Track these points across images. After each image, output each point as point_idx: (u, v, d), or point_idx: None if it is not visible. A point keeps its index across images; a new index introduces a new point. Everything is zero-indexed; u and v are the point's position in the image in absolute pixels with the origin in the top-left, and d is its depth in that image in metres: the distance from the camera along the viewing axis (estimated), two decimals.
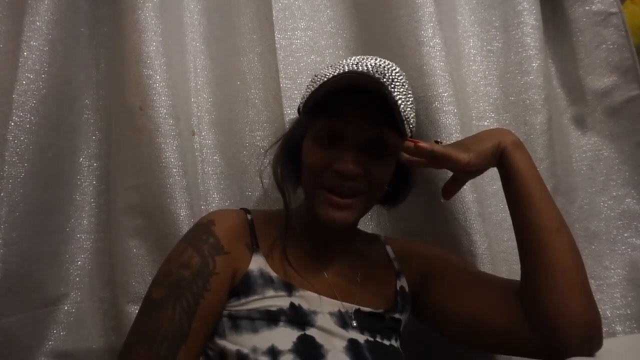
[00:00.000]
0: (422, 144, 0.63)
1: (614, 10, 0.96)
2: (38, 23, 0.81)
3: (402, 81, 0.66)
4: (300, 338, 0.59)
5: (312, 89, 0.66)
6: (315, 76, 0.69)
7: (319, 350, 0.59)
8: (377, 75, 0.62)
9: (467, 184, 0.73)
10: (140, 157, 0.81)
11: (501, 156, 0.64)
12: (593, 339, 0.60)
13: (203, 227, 0.65)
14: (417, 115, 0.73)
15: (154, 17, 0.83)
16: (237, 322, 0.60)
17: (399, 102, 0.63)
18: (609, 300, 0.92)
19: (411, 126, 0.67)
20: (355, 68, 0.64)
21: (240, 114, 0.92)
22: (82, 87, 0.89)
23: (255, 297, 0.62)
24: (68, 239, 0.85)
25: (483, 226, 0.82)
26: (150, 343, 0.56)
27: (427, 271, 0.73)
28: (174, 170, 0.81)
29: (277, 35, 0.91)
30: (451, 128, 0.82)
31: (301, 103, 0.70)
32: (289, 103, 0.89)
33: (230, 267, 0.63)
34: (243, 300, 0.62)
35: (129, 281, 0.80)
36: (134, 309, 0.78)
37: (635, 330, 0.89)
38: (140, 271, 0.80)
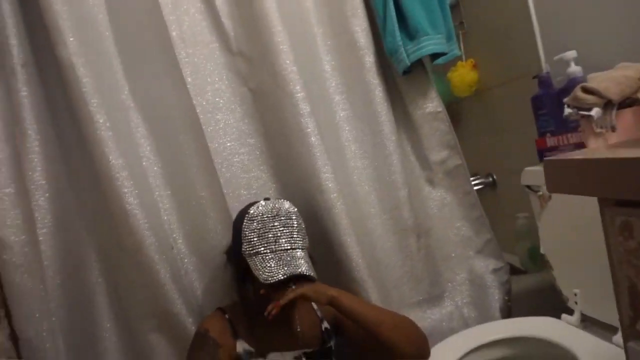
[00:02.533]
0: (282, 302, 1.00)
1: (439, 109, 1.44)
2: None
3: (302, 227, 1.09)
4: None
5: (253, 246, 1.04)
6: (260, 223, 1.06)
7: None
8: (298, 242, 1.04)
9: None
10: (142, 280, 1.21)
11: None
12: (425, 355, 1.11)
13: (203, 336, 1.07)
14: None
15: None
16: None
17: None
18: (459, 294, 1.46)
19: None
20: (289, 267, 1.00)
21: (201, 225, 1.31)
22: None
23: None
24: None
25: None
26: None
27: (336, 316, 1.20)
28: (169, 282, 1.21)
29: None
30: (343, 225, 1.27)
31: (243, 248, 1.06)
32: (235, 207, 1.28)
33: (226, 353, 1.06)
34: None
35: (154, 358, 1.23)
36: None
37: (474, 311, 1.43)
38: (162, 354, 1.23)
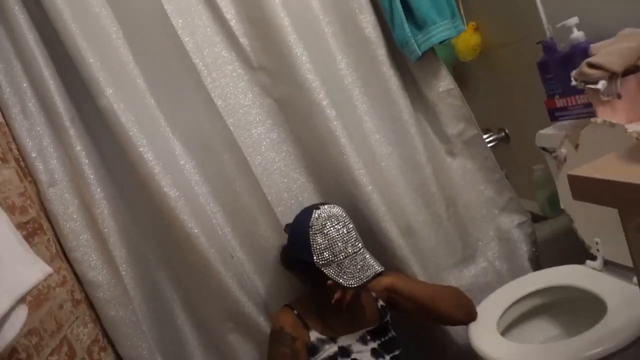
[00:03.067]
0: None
1: (452, 86, 1.52)
2: None
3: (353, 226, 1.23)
4: None
5: (325, 258, 1.16)
6: (324, 234, 1.18)
7: None
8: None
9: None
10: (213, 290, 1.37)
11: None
12: (472, 318, 1.28)
13: (279, 332, 1.24)
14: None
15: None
16: None
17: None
18: (490, 250, 1.62)
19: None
20: (364, 271, 1.15)
21: (253, 232, 1.45)
22: None
23: (321, 352, 1.25)
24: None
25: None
26: None
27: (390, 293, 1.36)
28: (236, 288, 1.37)
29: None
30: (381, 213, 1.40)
31: (315, 257, 1.18)
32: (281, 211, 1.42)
33: (301, 344, 1.24)
34: (317, 355, 1.24)
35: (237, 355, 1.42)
36: None
37: (506, 264, 1.59)
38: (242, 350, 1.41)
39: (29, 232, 1.16)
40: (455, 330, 1.46)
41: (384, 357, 1.29)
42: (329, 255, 1.18)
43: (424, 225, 1.54)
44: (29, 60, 1.26)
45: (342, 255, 1.18)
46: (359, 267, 1.17)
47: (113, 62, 1.29)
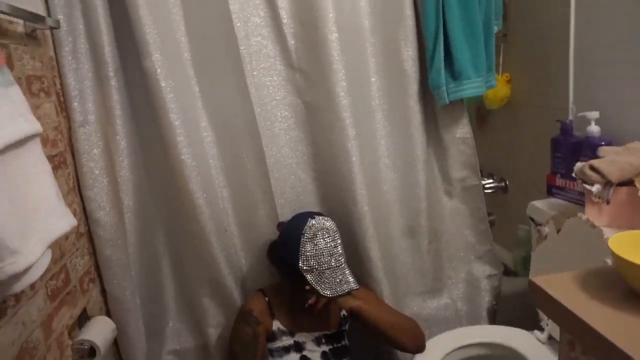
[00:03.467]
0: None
1: (468, 135, 1.61)
2: None
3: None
4: (301, 357, 1.39)
5: (310, 265, 1.27)
6: (314, 244, 1.29)
7: None
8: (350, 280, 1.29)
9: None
10: (201, 256, 1.50)
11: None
12: (420, 349, 1.42)
13: (248, 313, 1.37)
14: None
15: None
16: (272, 352, 1.38)
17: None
18: (456, 290, 1.74)
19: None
20: (341, 285, 1.27)
21: (251, 215, 1.57)
22: None
23: (278, 341, 1.39)
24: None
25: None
26: None
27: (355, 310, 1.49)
28: (222, 260, 1.50)
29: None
30: (369, 232, 1.52)
31: (301, 262, 1.29)
32: (280, 204, 1.54)
33: (264, 329, 1.37)
34: (274, 343, 1.39)
35: (206, 318, 1.57)
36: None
37: (466, 306, 1.73)
38: (211, 313, 1.56)
39: (55, 165, 1.26)
40: (403, 356, 1.60)
41: None
42: (313, 264, 1.30)
43: (404, 251, 1.66)
44: (89, 5, 1.33)
45: (325, 266, 1.30)
46: (337, 280, 1.29)
47: (165, 29, 1.37)
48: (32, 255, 0.78)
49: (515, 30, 1.86)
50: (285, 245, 1.36)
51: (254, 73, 1.47)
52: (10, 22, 1.11)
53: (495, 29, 1.57)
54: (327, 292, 1.28)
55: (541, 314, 1.47)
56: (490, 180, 2.04)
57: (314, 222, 1.33)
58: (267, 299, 1.42)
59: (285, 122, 1.54)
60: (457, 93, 1.45)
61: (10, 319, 0.98)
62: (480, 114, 2.13)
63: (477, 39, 1.45)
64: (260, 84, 1.49)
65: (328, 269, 1.30)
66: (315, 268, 1.30)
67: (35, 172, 0.87)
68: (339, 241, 1.34)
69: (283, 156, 1.55)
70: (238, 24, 1.42)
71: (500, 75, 1.88)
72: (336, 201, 1.54)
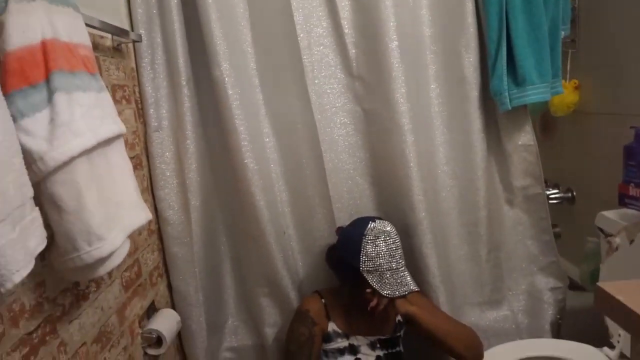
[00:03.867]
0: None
1: (531, 143, 1.57)
2: None
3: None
4: (355, 359, 1.40)
5: (371, 266, 1.29)
6: (375, 246, 1.30)
7: None
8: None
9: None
10: (260, 257, 1.56)
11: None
12: (479, 359, 1.38)
13: (304, 314, 1.41)
14: None
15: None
16: (327, 353, 1.41)
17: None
18: (516, 302, 1.69)
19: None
20: (401, 285, 1.27)
21: (309, 218, 1.61)
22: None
23: (333, 343, 1.41)
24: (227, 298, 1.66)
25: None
26: None
27: (411, 315, 1.49)
28: (280, 261, 1.55)
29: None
30: (427, 239, 1.51)
31: (362, 263, 1.30)
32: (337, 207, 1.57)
33: (319, 330, 1.40)
34: (329, 344, 1.41)
35: (263, 317, 1.62)
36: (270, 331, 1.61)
37: (527, 319, 1.67)
38: (268, 313, 1.61)
39: (132, 166, 1.37)
40: None
41: None
42: (374, 265, 1.31)
43: (462, 260, 1.63)
44: (167, 20, 1.44)
45: (385, 267, 1.30)
46: (398, 282, 1.29)
47: (234, 40, 1.45)
48: (115, 242, 0.86)
49: (585, 36, 1.80)
50: (346, 247, 1.38)
51: (315, 81, 1.52)
52: (101, 37, 1.24)
53: (562, 34, 1.53)
54: (388, 292, 1.28)
55: (611, 330, 1.40)
56: (556, 191, 1.96)
57: (375, 225, 1.34)
58: (323, 300, 1.45)
59: (344, 128, 1.57)
60: (520, 99, 1.43)
61: (92, 303, 1.07)
62: (545, 121, 2.06)
63: (542, 44, 1.42)
64: (321, 91, 1.54)
65: (389, 270, 1.30)
66: (375, 269, 1.31)
67: (120, 169, 0.96)
68: (400, 244, 1.35)
69: (341, 162, 1.58)
70: (301, 35, 1.49)
71: (567, 81, 1.82)
72: (393, 207, 1.55)
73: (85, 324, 1.04)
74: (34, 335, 0.86)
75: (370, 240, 1.32)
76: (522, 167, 1.60)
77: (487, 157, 1.58)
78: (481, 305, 1.66)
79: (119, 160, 0.96)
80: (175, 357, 1.57)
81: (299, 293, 1.60)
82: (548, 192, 1.91)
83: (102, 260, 0.85)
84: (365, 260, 1.31)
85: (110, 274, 1.18)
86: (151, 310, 1.41)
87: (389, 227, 1.35)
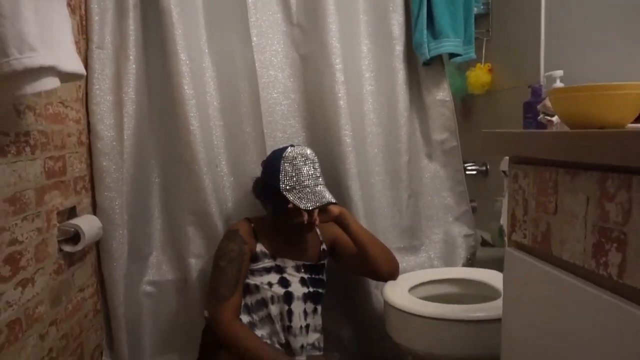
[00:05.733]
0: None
1: (447, 99, 1.75)
2: None
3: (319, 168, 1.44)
4: (280, 277, 1.43)
5: (289, 184, 1.36)
6: (293, 165, 1.38)
7: (288, 282, 1.43)
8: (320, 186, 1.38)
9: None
10: (190, 185, 1.59)
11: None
12: (394, 275, 1.46)
13: (234, 232, 1.43)
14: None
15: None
16: (254, 272, 1.42)
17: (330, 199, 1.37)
18: (433, 249, 1.80)
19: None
20: (319, 198, 1.34)
21: (242, 153, 1.67)
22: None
23: (260, 262, 1.43)
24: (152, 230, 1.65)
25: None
26: (226, 286, 1.36)
27: (335, 239, 1.55)
28: (210, 190, 1.59)
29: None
30: (352, 172, 1.62)
31: (282, 182, 1.37)
32: (270, 145, 1.64)
33: (248, 249, 1.42)
34: (256, 264, 1.43)
35: (188, 248, 1.62)
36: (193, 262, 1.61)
37: (442, 264, 1.77)
38: (194, 243, 1.61)
39: None
40: (376, 297, 1.63)
41: (308, 288, 1.47)
42: (293, 183, 1.38)
43: (385, 204, 1.74)
44: None
45: (304, 184, 1.38)
46: (317, 196, 1.37)
47: None
48: (47, 59, 0.88)
49: (496, 27, 2.07)
50: (267, 172, 1.45)
51: (258, 23, 1.64)
52: None
53: (475, 9, 1.77)
54: (308, 205, 1.34)
55: None
56: (472, 163, 2.15)
57: (293, 149, 1.42)
58: (252, 225, 1.48)
59: (282, 72, 1.69)
60: (437, 49, 1.62)
61: (10, 163, 1.06)
62: (466, 104, 2.28)
63: (456, 7, 1.64)
64: (261, 33, 1.65)
65: (307, 187, 1.38)
66: (294, 187, 1.37)
67: (60, 16, 1.00)
68: (318, 166, 1.42)
69: (276, 102, 1.68)
70: None
71: (482, 64, 2.06)
72: (322, 145, 1.65)
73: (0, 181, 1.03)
74: None
75: (288, 161, 1.40)
76: (440, 122, 1.77)
77: (409, 109, 1.74)
78: (401, 250, 1.75)
79: (61, 9, 1.01)
80: (91, 278, 1.52)
81: (226, 225, 1.63)
82: (465, 165, 2.09)
83: (30, 75, 0.88)
84: (284, 180, 1.38)
85: (33, 150, 1.17)
86: (72, 213, 1.38)
87: (307, 151, 1.43)
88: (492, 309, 1.23)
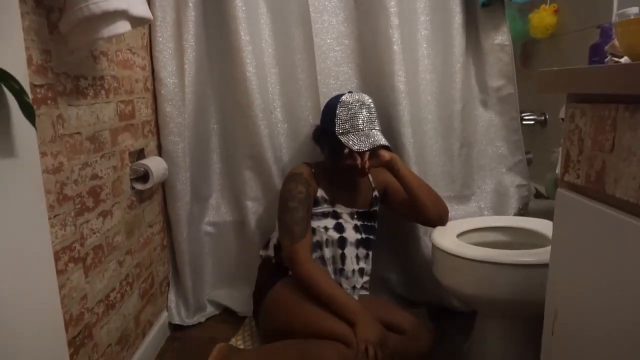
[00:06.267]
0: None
1: (507, 43, 1.69)
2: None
3: (376, 114, 1.45)
4: (336, 223, 1.49)
5: (344, 128, 1.39)
6: (348, 110, 1.40)
7: (343, 228, 1.49)
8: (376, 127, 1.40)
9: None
10: (247, 131, 1.66)
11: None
12: (443, 220, 1.49)
13: (299, 175, 1.47)
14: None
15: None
16: (312, 216, 1.48)
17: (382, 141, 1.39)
18: (484, 199, 1.79)
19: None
20: (372, 140, 1.36)
21: (296, 100, 1.72)
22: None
23: (320, 207, 1.49)
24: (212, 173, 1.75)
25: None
26: (299, 224, 1.43)
27: (386, 185, 1.59)
28: (266, 137, 1.65)
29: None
30: (405, 118, 1.62)
31: (337, 126, 1.40)
32: (323, 92, 1.67)
33: (313, 190, 1.48)
34: (316, 208, 1.48)
35: (245, 191, 1.72)
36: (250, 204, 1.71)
37: (493, 214, 1.77)
38: (251, 187, 1.71)
39: None
40: (425, 242, 1.67)
41: (361, 234, 1.52)
42: (348, 127, 1.40)
43: (436, 152, 1.74)
44: None
45: (358, 128, 1.40)
46: (370, 139, 1.39)
47: None
48: (121, 2, 0.95)
49: None
50: (325, 116, 1.48)
51: None
52: None
53: None
54: (361, 147, 1.37)
55: None
56: (530, 113, 2.08)
57: (351, 95, 1.44)
58: (313, 170, 1.53)
59: (336, 16, 1.68)
60: None
61: (89, 104, 1.17)
62: (527, 49, 2.18)
63: None
64: None
65: (362, 132, 1.40)
66: (349, 131, 1.40)
67: None
68: (374, 111, 1.44)
69: (330, 49, 1.68)
70: None
71: (548, 5, 1.95)
72: (375, 91, 1.65)
73: (81, 116, 1.13)
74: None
75: (344, 106, 1.42)
76: (497, 68, 1.71)
77: (465, 54, 1.70)
78: (450, 200, 1.76)
79: None
80: (159, 216, 1.65)
81: (281, 172, 1.70)
82: (522, 114, 2.03)
83: (106, 19, 0.95)
84: (339, 124, 1.41)
85: (107, 93, 1.27)
86: (141, 155, 1.50)
87: (364, 97, 1.44)
88: (541, 254, 1.23)
